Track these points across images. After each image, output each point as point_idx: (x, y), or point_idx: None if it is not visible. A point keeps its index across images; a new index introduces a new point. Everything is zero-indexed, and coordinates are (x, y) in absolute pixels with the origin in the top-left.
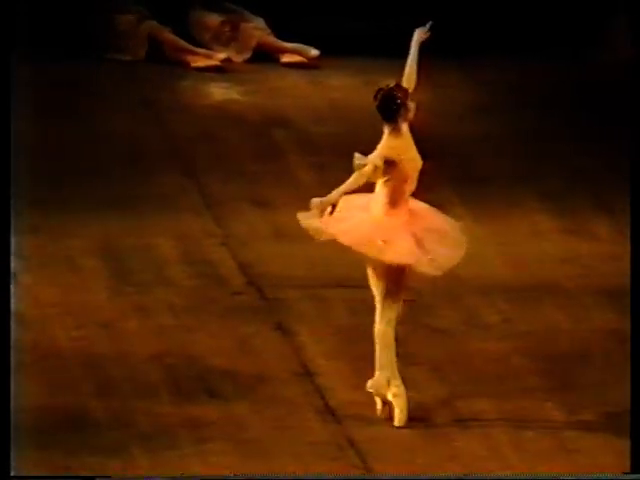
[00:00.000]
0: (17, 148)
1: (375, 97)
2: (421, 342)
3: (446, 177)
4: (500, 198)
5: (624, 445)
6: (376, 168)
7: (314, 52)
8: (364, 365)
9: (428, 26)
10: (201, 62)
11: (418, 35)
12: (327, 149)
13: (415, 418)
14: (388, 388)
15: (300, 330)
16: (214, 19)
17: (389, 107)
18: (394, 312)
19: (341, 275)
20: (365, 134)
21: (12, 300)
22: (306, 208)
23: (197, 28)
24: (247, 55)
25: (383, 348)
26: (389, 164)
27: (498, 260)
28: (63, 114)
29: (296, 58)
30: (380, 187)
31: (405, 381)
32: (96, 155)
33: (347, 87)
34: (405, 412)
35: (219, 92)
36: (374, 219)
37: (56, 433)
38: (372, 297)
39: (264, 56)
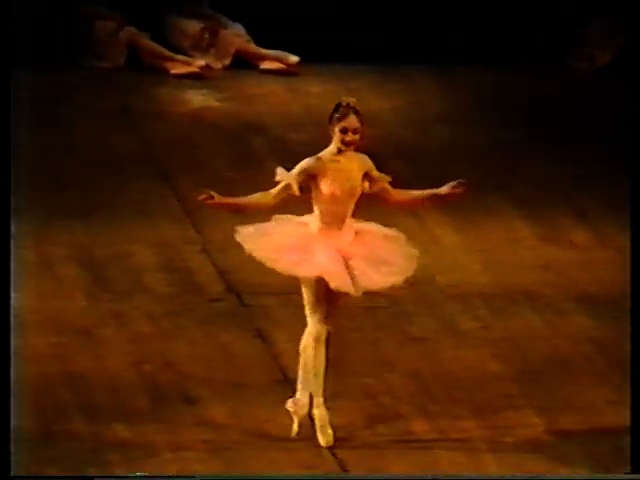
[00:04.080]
0: None
1: (337, 109)
2: (397, 349)
3: (423, 184)
4: (477, 206)
5: (602, 450)
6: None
7: (293, 59)
8: (341, 371)
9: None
10: (180, 69)
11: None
12: (304, 156)
13: (392, 423)
14: (310, 408)
15: (279, 337)
16: (193, 26)
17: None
18: (324, 328)
19: None
20: None
21: None
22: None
23: (176, 35)
24: (226, 62)
25: (309, 366)
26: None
27: (476, 267)
28: (40, 123)
29: (275, 65)
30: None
31: (382, 389)
32: (74, 163)
33: (325, 94)
34: (329, 432)
35: (197, 99)
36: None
37: (31, 438)
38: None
39: (243, 63)
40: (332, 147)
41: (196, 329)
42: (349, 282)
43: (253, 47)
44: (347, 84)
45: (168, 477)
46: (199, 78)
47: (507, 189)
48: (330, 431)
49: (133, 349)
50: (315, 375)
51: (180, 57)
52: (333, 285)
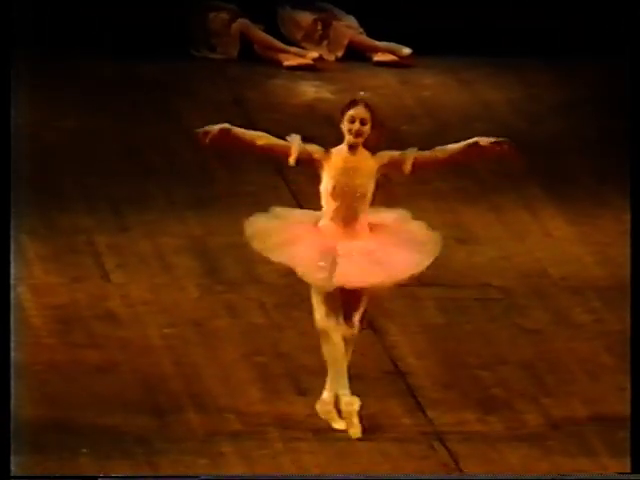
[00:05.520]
0: (105, 147)
1: (347, 104)
2: (511, 341)
3: (535, 176)
4: (590, 198)
5: None
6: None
7: (406, 50)
8: (453, 363)
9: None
10: (293, 60)
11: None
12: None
13: (505, 416)
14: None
15: (390, 328)
16: (306, 17)
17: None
18: (329, 324)
19: (431, 274)
20: (456, 133)
21: (105, 298)
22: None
23: (289, 26)
24: (339, 53)
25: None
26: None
27: (589, 259)
28: (153, 113)
29: (388, 57)
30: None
31: (494, 381)
32: (187, 154)
33: (438, 85)
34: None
35: (310, 91)
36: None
37: (144, 430)
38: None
39: (356, 54)
40: (343, 144)
41: (308, 320)
42: (321, 275)
43: (366, 39)
44: (460, 76)
45: (168, 477)
46: (312, 70)
47: (619, 181)
48: (356, 421)
49: (245, 340)
50: (336, 371)
51: (293, 49)
52: (299, 272)
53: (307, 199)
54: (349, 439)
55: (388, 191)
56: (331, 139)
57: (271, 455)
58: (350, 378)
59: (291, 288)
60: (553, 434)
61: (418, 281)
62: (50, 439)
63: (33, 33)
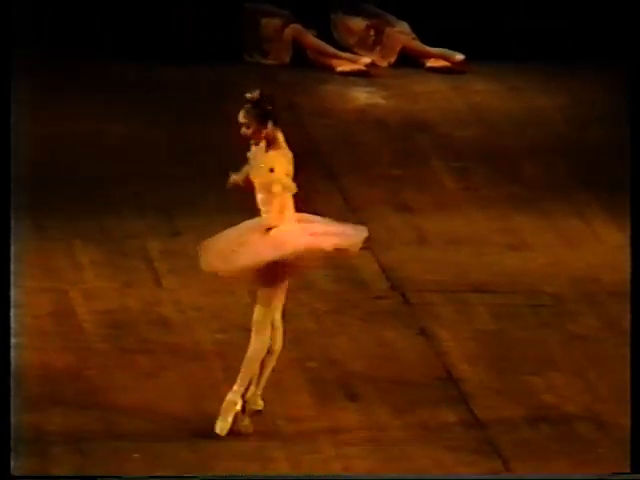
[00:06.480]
0: (157, 151)
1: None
2: (562, 348)
3: (586, 182)
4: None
5: None
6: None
7: (459, 57)
8: (507, 370)
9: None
10: (346, 66)
11: None
12: (469, 154)
13: (556, 422)
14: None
15: (442, 334)
16: (359, 23)
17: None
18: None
19: (483, 280)
20: (507, 139)
21: (157, 303)
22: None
23: (341, 32)
24: (392, 59)
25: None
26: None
27: None
28: (204, 117)
29: (441, 63)
30: None
31: (545, 387)
32: (240, 159)
33: (490, 92)
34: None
35: (363, 96)
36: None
37: (194, 435)
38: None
39: (408, 60)
40: None
41: (359, 326)
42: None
43: (418, 45)
44: (511, 82)
45: (168, 477)
46: (364, 76)
47: None
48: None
49: (297, 346)
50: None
51: (346, 55)
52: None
53: (358, 204)
54: (400, 445)
55: (439, 199)
56: (383, 144)
57: (322, 460)
58: (402, 384)
59: (342, 294)
60: (604, 441)
61: (470, 287)
62: (98, 444)
63: (33, 33)
